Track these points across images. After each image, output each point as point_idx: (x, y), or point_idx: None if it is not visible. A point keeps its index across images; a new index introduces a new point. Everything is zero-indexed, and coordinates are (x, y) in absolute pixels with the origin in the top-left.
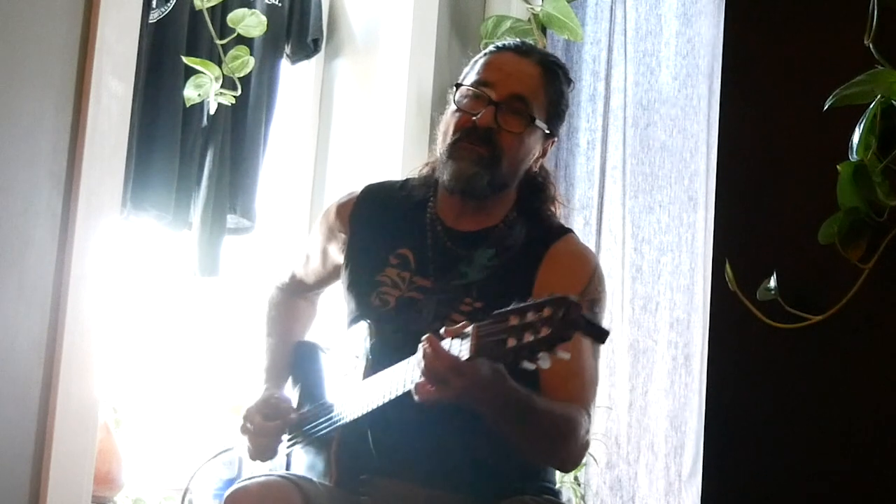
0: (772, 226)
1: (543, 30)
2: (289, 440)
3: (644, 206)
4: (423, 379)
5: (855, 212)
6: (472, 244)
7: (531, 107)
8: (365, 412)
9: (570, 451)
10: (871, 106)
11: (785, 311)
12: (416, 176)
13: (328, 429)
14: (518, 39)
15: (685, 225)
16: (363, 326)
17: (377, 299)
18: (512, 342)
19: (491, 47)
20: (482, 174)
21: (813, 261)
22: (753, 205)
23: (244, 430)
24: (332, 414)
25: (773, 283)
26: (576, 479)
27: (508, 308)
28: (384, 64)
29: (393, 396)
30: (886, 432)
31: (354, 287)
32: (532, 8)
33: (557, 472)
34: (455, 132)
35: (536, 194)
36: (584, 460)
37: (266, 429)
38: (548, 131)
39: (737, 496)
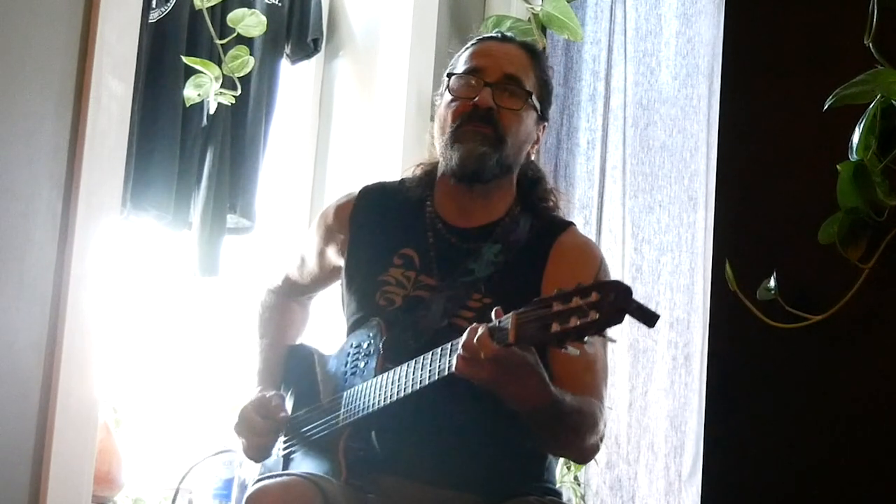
0: (772, 226)
1: (543, 30)
2: (285, 442)
3: (644, 206)
4: (460, 357)
5: (855, 212)
6: (477, 239)
7: (524, 85)
8: (388, 402)
9: (590, 445)
10: (871, 106)
11: (785, 311)
12: (412, 177)
13: (335, 426)
14: (497, 31)
15: (685, 225)
16: (373, 324)
17: (382, 299)
18: (556, 327)
19: (473, 39)
20: (490, 153)
21: (813, 261)
22: (753, 205)
23: (239, 429)
24: (339, 412)
25: (773, 283)
26: (576, 479)
27: (551, 294)
28: (384, 64)
29: (425, 383)
30: (887, 432)
31: (358, 288)
32: (532, 8)
33: (556, 472)
34: (455, 118)
35: (535, 186)
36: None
37: (262, 427)
38: (540, 112)
39: (737, 496)
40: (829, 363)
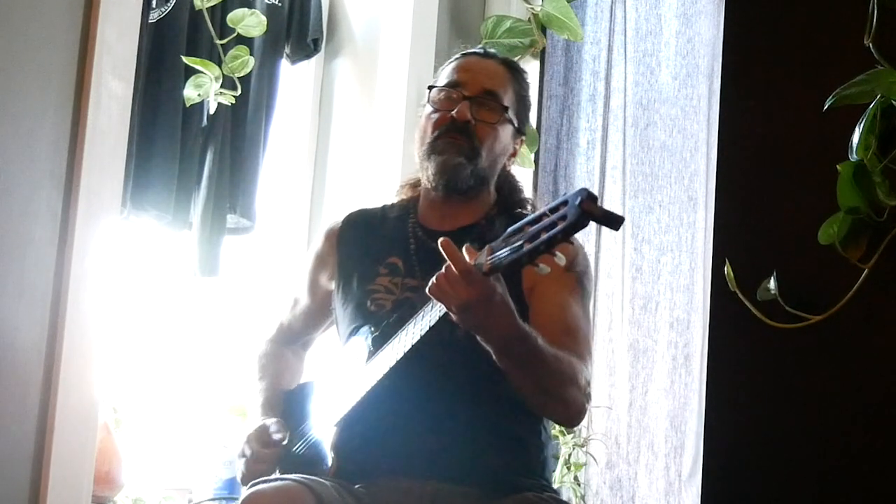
0: (772, 226)
1: (543, 30)
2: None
3: (644, 206)
4: (436, 281)
5: (855, 212)
6: (456, 240)
7: (502, 100)
8: (386, 371)
9: (575, 397)
10: (871, 106)
11: (785, 311)
12: (396, 201)
13: (330, 420)
14: (479, 46)
15: (685, 225)
16: (363, 330)
17: (373, 305)
18: (527, 245)
19: (457, 54)
20: (465, 164)
21: (813, 261)
22: (753, 205)
23: (242, 455)
24: (336, 403)
25: (773, 283)
26: (576, 478)
27: (523, 220)
28: (384, 64)
29: (416, 339)
30: (886, 432)
31: (349, 300)
32: (532, 8)
33: (556, 472)
34: (434, 130)
35: (513, 194)
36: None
37: (263, 455)
38: (517, 126)
39: (737, 496)
40: (829, 363)
